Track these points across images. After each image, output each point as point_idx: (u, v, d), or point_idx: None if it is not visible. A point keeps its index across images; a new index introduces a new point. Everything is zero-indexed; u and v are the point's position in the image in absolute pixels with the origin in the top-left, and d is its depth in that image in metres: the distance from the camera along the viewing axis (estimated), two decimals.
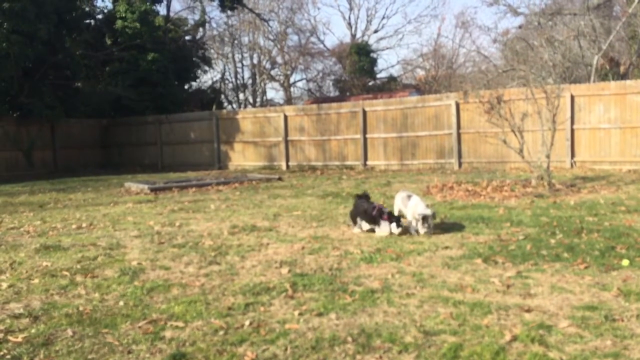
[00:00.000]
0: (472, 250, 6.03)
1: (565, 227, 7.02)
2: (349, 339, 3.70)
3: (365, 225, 7.28)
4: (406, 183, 13.34)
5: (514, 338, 3.55)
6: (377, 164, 18.43)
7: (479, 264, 5.50)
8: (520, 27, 27.28)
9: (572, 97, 14.94)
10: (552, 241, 6.30)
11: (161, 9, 28.75)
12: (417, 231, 6.96)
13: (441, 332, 3.73)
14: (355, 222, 7.44)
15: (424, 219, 6.87)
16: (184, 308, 4.49)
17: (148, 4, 25.62)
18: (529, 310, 4.08)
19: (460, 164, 16.91)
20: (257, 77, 42.06)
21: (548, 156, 11.08)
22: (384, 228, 7.02)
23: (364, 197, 7.55)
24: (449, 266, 5.47)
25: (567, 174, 13.52)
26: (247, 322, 4.10)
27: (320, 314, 4.21)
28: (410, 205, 7.16)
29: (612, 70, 19.64)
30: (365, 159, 18.67)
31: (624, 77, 19.34)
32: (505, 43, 26.31)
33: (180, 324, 4.15)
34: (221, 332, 3.94)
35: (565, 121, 14.09)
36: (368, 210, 7.15)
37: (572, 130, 15.00)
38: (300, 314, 4.23)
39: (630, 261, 5.25)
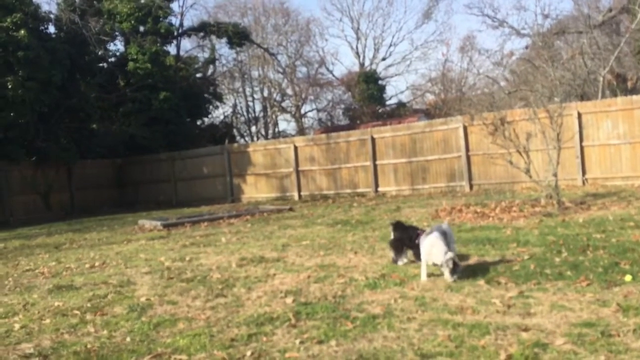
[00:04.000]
0: (475, 272, 6.04)
1: (572, 245, 7.00)
2: None
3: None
4: (416, 208, 13.37)
5: (509, 357, 3.58)
6: (388, 190, 18.49)
7: (481, 285, 5.52)
8: (527, 47, 27.50)
9: (580, 115, 14.94)
10: (557, 260, 6.29)
11: (171, 49, 29.61)
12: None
13: (438, 355, 3.77)
14: (399, 253, 6.78)
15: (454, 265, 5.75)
16: (188, 341, 4.57)
17: (158, 45, 26.38)
18: (526, 330, 4.09)
19: (471, 186, 16.90)
20: (268, 109, 42.68)
21: (555, 174, 11.06)
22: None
23: (400, 225, 7.02)
24: (451, 289, 5.49)
25: (579, 192, 13.45)
26: (248, 353, 4.17)
27: (320, 342, 4.27)
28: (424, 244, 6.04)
29: (619, 86, 19.64)
30: (376, 185, 18.75)
31: (632, 92, 19.32)
32: (505, 65, 26.44)
33: (184, 356, 4.23)
34: None
35: (571, 139, 14.07)
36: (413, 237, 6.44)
37: (582, 148, 14.96)
38: (302, 342, 4.29)
39: (633, 276, 5.24)
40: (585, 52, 20.16)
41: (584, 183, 14.89)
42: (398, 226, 7.03)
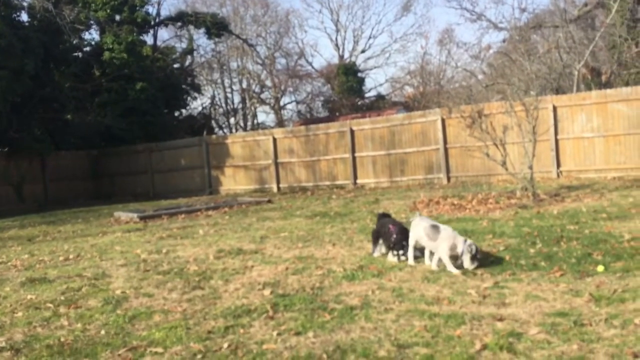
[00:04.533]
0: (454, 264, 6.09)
1: (546, 237, 7.11)
2: (324, 356, 3.75)
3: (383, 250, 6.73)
4: (394, 200, 13.43)
5: (484, 347, 3.62)
6: (367, 182, 18.54)
7: (457, 276, 5.57)
8: (504, 41, 27.74)
9: (555, 108, 15.15)
10: (532, 251, 6.38)
11: (148, 39, 29.16)
12: (459, 265, 5.79)
13: (414, 345, 3.79)
14: (375, 244, 6.85)
15: (476, 251, 5.72)
16: (164, 334, 4.53)
17: (135, 34, 25.94)
18: (501, 319, 4.15)
19: (449, 179, 17.04)
20: (247, 101, 42.39)
21: (531, 167, 11.21)
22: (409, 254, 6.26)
23: (387, 215, 7.08)
24: (428, 280, 5.54)
25: (553, 184, 13.66)
26: (225, 345, 4.15)
27: (298, 333, 4.27)
28: (443, 238, 5.88)
29: (594, 80, 19.95)
30: (355, 177, 18.79)
31: (606, 85, 19.64)
32: (483, 59, 26.69)
33: (160, 349, 4.19)
34: (199, 356, 3.99)
35: (546, 132, 14.27)
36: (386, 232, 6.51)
37: (557, 141, 15.19)
38: (279, 334, 4.28)
39: (605, 267, 5.34)
40: (561, 46, 20.43)
41: (558, 175, 15.13)
42: (379, 218, 7.10)
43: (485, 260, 6.09)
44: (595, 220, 8.10)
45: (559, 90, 19.47)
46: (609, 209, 8.98)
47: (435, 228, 6.03)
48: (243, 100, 42.55)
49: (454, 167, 17.01)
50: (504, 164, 11.39)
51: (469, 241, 5.79)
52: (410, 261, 6.24)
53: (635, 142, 14.21)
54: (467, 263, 5.70)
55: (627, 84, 17.88)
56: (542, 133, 13.07)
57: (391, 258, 6.47)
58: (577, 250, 6.16)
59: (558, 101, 15.29)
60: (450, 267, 5.76)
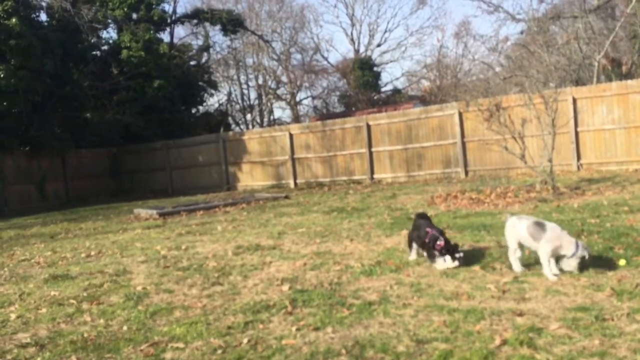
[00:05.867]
0: (471, 259, 6.06)
1: (567, 231, 7.01)
2: (343, 351, 3.77)
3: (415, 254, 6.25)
4: (412, 194, 13.38)
5: (504, 342, 3.60)
6: (384, 177, 18.50)
7: (476, 271, 5.54)
8: (522, 32, 27.41)
9: (574, 100, 14.94)
10: None
11: (165, 37, 29.35)
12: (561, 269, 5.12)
13: (433, 340, 3.79)
14: (410, 247, 6.37)
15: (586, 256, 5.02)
16: (185, 329, 4.59)
17: (152, 32, 26.14)
18: (521, 315, 4.12)
19: (466, 173, 16.92)
20: (263, 97, 42.51)
21: (550, 160, 11.09)
22: (439, 262, 5.74)
23: (425, 216, 6.53)
24: (447, 275, 5.51)
25: (574, 177, 13.49)
26: (245, 340, 4.19)
27: (317, 329, 4.29)
28: (550, 238, 5.12)
29: (614, 71, 19.62)
30: (372, 172, 18.75)
31: (627, 76, 19.32)
32: (500, 51, 26.37)
33: (181, 345, 4.25)
34: (219, 351, 4.03)
35: (566, 124, 14.08)
36: (421, 236, 6.00)
37: (577, 133, 14.98)
38: (298, 330, 4.31)
39: (627, 261, 5.27)
40: (580, 36, 20.11)
41: (578, 168, 14.93)
42: (418, 218, 6.50)
43: (504, 255, 6.02)
44: (616, 213, 7.99)
45: (578, 82, 19.18)
46: (631, 202, 8.84)
47: (540, 226, 5.24)
48: (259, 97, 42.68)
49: (472, 161, 16.88)
50: (522, 157, 11.27)
51: (581, 243, 5.10)
52: (518, 269, 5.32)
53: None
54: (574, 267, 5.01)
55: None
56: (562, 125, 12.91)
57: (449, 264, 5.64)
58: (598, 244, 6.08)
59: (578, 93, 15.07)
60: (549, 273, 5.03)
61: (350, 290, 5.29)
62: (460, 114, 16.82)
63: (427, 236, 5.87)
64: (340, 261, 6.60)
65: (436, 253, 5.73)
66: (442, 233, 5.91)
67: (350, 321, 4.39)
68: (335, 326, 4.30)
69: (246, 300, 5.29)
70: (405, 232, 8.01)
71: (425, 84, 42.10)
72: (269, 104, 43.04)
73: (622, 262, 5.24)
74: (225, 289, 5.79)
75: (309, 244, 7.94)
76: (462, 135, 16.87)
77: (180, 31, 35.48)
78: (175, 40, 31.26)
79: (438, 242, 5.71)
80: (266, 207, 13.66)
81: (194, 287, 5.99)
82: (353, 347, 3.81)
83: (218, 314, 4.95)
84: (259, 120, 42.36)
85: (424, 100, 35.56)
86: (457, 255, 5.66)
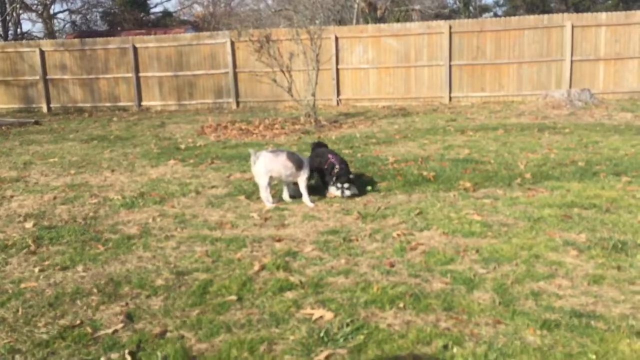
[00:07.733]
0: (237, 188, 6.13)
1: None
2: (95, 290, 3.48)
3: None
4: (182, 124, 12.96)
5: (262, 267, 3.72)
6: (152, 105, 17.52)
7: (242, 200, 5.62)
8: None
9: (337, 39, 15.91)
10: None
11: None
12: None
13: (194, 271, 3.73)
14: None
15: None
16: None
17: None
18: (280, 240, 4.31)
19: (238, 104, 16.99)
20: (8, 5, 36.06)
21: (313, 94, 11.72)
22: (332, 190, 5.64)
23: (323, 145, 6.28)
24: (212, 205, 5.48)
25: (333, 111, 14.56)
26: None
27: (65, 268, 3.88)
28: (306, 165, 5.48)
29: (371, 15, 21.40)
30: (140, 99, 17.59)
31: (380, 20, 21.25)
32: None
33: None
34: None
35: (328, 61, 14.98)
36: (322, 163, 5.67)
37: (337, 70, 16.08)
38: (42, 270, 3.84)
39: (372, 187, 5.88)
40: None
41: (338, 103, 16.16)
42: (314, 147, 6.21)
43: None
44: (366, 145, 8.86)
45: (341, 22, 20.48)
46: (378, 135, 9.90)
47: (298, 156, 5.50)
48: (2, 5, 36.08)
49: (243, 92, 16.98)
50: (289, 90, 11.69)
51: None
52: (271, 204, 5.36)
53: (401, 75, 15.79)
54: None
55: (397, 21, 19.58)
56: (325, 62, 13.70)
57: (335, 192, 5.56)
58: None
59: (339, 32, 16.07)
60: (308, 200, 5.34)
61: (107, 225, 4.90)
62: (233, 44, 16.62)
63: (326, 163, 5.60)
64: (98, 194, 6.07)
65: (332, 181, 5.54)
66: (343, 161, 5.65)
67: (106, 258, 4.07)
68: (87, 264, 3.94)
69: None
70: (172, 162, 7.78)
71: (198, 9, 40.59)
72: (14, 15, 36.76)
73: (368, 188, 5.83)
74: None
75: (62, 176, 7.14)
76: (234, 66, 16.77)
77: None
78: None
79: (335, 170, 5.50)
80: (10, 134, 11.87)
81: None
82: (106, 285, 3.54)
83: None
84: (2, 33, 36.04)
85: (196, 26, 34.35)
86: (347, 185, 5.49)
